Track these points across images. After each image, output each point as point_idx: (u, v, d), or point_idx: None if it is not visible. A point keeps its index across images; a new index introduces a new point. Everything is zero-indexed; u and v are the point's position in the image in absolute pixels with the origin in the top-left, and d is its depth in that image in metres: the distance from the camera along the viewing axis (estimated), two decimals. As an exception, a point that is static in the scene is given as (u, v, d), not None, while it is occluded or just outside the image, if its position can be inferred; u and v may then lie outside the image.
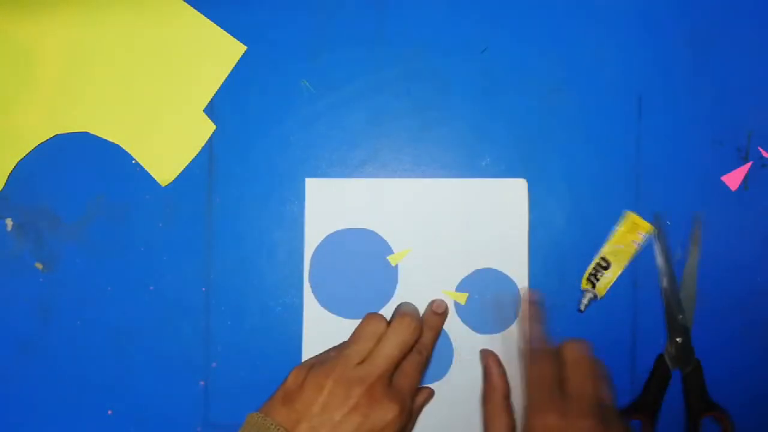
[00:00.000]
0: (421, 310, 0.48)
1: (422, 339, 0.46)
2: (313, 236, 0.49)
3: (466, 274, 0.48)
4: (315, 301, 0.48)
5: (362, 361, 0.42)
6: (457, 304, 0.48)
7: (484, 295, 0.48)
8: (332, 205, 0.49)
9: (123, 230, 0.49)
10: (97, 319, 0.49)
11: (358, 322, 0.46)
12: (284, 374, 0.48)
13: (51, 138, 0.49)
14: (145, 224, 0.49)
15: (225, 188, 0.49)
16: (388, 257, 0.49)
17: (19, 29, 0.49)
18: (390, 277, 0.49)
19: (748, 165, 0.50)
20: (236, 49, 0.49)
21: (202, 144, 0.49)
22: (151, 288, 0.49)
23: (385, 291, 0.48)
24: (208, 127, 0.49)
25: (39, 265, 0.49)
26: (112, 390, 0.49)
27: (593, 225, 0.49)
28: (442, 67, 0.50)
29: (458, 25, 0.50)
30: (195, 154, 0.49)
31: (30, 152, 0.49)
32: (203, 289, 0.49)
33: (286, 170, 0.49)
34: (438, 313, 0.47)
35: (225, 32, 0.49)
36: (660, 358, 0.48)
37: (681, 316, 0.48)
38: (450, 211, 0.49)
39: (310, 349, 0.48)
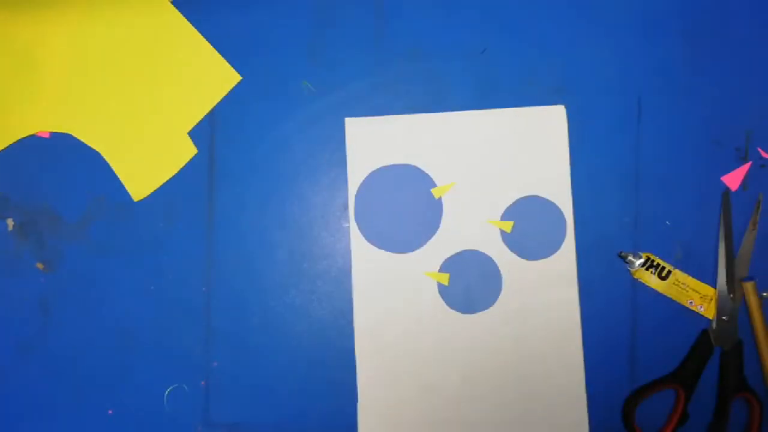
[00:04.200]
0: (467, 243, 0.48)
1: None
2: (356, 174, 0.49)
3: (511, 203, 0.49)
4: (362, 237, 0.49)
5: None
6: (503, 233, 0.49)
7: (530, 221, 0.48)
8: (373, 143, 0.49)
9: (124, 230, 0.49)
10: (97, 319, 0.49)
11: (405, 256, 0.48)
12: (285, 373, 0.48)
13: (51, 138, 0.49)
14: (145, 224, 0.49)
15: (225, 188, 0.49)
16: (431, 190, 0.49)
17: (20, 32, 0.50)
18: (435, 209, 0.49)
19: (748, 165, 0.50)
20: (231, 77, 0.49)
21: (181, 166, 0.49)
22: (152, 288, 0.49)
23: (430, 224, 0.49)
24: (190, 151, 0.49)
25: (40, 265, 0.49)
26: (112, 390, 0.49)
27: (593, 223, 0.49)
28: (441, 67, 0.50)
29: (458, 26, 0.50)
30: (171, 175, 0.49)
31: (31, 152, 0.49)
32: (204, 288, 0.49)
33: (286, 170, 0.50)
34: None
35: (222, 59, 0.49)
36: (704, 333, 0.49)
37: (731, 296, 0.48)
38: (490, 141, 0.49)
39: (360, 285, 0.48)
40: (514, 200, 0.49)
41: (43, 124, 0.49)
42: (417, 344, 0.48)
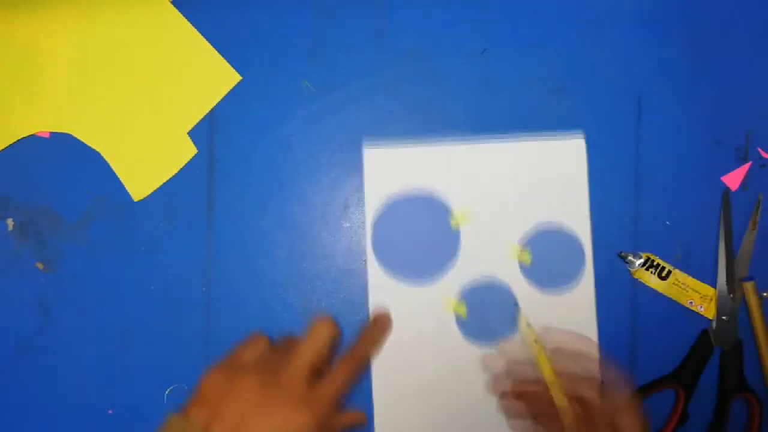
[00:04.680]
0: (484, 274, 0.48)
1: (359, 349, 0.46)
2: (373, 203, 0.49)
3: (529, 233, 0.48)
4: (378, 267, 0.48)
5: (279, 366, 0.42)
6: (520, 264, 0.48)
7: (548, 252, 0.48)
8: (391, 171, 0.49)
9: (124, 230, 0.49)
10: (97, 319, 0.49)
11: (422, 285, 0.48)
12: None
13: (51, 138, 0.49)
14: (145, 224, 0.49)
15: (225, 188, 0.49)
16: (449, 220, 0.48)
17: (20, 32, 0.50)
18: (452, 239, 0.49)
19: (748, 165, 0.50)
20: (231, 77, 0.49)
21: (181, 166, 0.49)
22: (152, 288, 0.49)
23: (447, 254, 0.48)
24: (190, 151, 0.49)
25: (40, 265, 0.49)
26: (112, 390, 0.49)
27: (593, 223, 0.49)
28: (441, 67, 0.50)
29: (458, 26, 0.50)
30: (171, 175, 0.49)
31: (31, 152, 0.49)
32: (203, 289, 0.49)
33: (286, 171, 0.50)
34: (380, 327, 0.47)
35: (222, 59, 0.49)
36: (704, 333, 0.49)
37: (731, 296, 0.48)
38: (509, 172, 0.49)
39: None
40: (532, 231, 0.49)
41: (43, 124, 0.49)
42: (434, 375, 0.48)
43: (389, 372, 0.48)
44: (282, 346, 0.44)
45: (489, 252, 0.48)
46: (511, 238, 0.49)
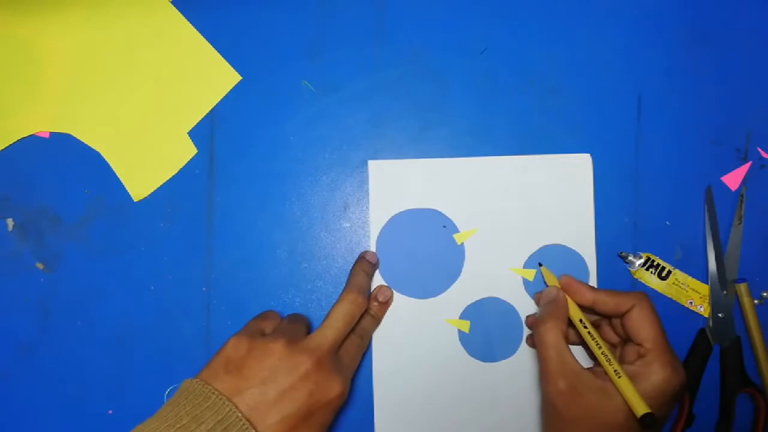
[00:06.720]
0: (488, 291, 0.48)
1: (363, 324, 0.46)
2: (378, 217, 0.49)
3: (534, 251, 0.48)
4: (383, 281, 0.48)
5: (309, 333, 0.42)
6: (525, 281, 0.48)
7: (553, 270, 0.47)
8: (397, 185, 0.49)
9: (123, 230, 0.49)
10: (97, 319, 0.49)
11: (426, 301, 0.48)
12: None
13: (51, 138, 0.49)
14: (145, 224, 0.49)
15: (225, 188, 0.49)
16: (454, 236, 0.48)
17: (20, 32, 0.50)
18: (457, 255, 0.48)
19: (747, 165, 0.50)
20: (231, 77, 0.49)
21: (181, 166, 0.49)
22: (152, 288, 0.49)
23: (452, 270, 0.48)
24: (190, 151, 0.49)
25: (40, 265, 0.49)
26: (112, 390, 0.49)
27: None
28: (442, 67, 0.50)
29: (458, 26, 0.50)
30: (171, 175, 0.49)
31: (31, 152, 0.49)
32: (204, 289, 0.49)
33: (286, 170, 0.50)
34: (381, 302, 0.47)
35: (222, 59, 0.49)
36: (701, 332, 0.49)
37: (725, 292, 0.48)
38: (515, 188, 0.49)
39: (379, 330, 0.48)
40: (537, 248, 0.48)
41: (43, 124, 0.49)
42: (436, 391, 0.48)
43: (391, 385, 0.48)
44: (295, 319, 0.45)
45: (494, 268, 0.48)
46: (516, 255, 0.48)
